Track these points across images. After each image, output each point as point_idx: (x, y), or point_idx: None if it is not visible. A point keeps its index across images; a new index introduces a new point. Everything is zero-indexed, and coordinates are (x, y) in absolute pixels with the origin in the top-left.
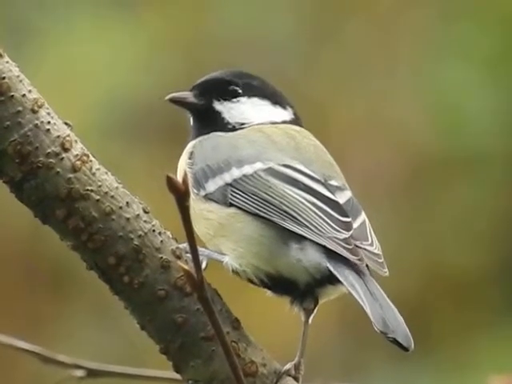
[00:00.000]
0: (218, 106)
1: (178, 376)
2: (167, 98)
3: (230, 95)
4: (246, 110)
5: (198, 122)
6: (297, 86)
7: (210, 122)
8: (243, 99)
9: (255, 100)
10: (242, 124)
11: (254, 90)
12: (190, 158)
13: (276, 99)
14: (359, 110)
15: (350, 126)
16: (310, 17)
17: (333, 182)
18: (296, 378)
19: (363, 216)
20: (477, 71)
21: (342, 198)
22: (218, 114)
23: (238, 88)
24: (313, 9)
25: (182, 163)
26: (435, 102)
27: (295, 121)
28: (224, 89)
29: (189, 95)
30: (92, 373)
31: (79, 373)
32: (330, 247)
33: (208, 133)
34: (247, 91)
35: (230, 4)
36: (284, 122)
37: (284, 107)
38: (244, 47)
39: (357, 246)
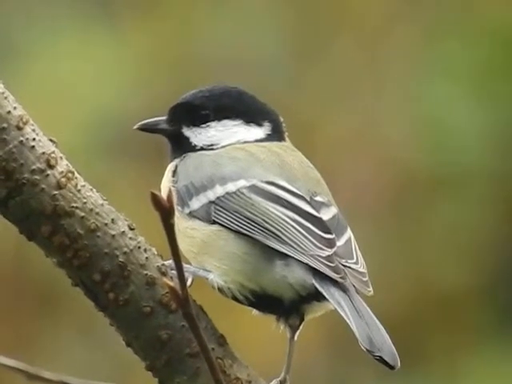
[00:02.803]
0: (187, 131)
1: None
2: (136, 127)
3: (200, 121)
4: (214, 133)
5: (171, 145)
6: (284, 103)
7: (180, 145)
8: (213, 123)
9: (226, 122)
10: (210, 145)
11: (226, 112)
12: (173, 176)
13: (250, 117)
14: (346, 127)
15: (336, 142)
16: (296, 35)
17: (318, 199)
18: None
19: (349, 233)
20: (462, 89)
21: (326, 214)
22: (186, 139)
23: (208, 112)
24: (299, 28)
25: (166, 182)
26: (421, 119)
27: (272, 137)
28: (194, 114)
29: (160, 121)
30: None
31: None
32: (313, 265)
33: (181, 155)
34: (218, 114)
35: (217, 22)
36: (257, 141)
37: (259, 124)
38: (231, 65)
39: (342, 264)
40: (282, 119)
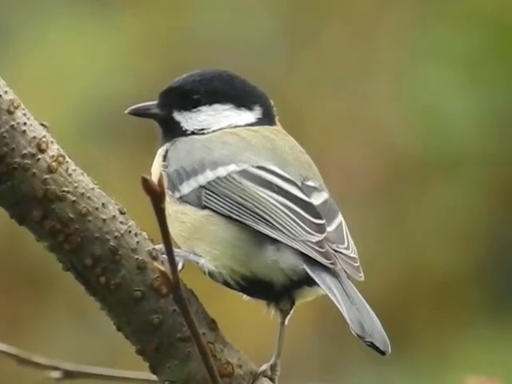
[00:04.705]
0: (178, 116)
1: (154, 377)
2: (127, 111)
3: (191, 105)
4: (205, 118)
5: (162, 129)
6: (276, 87)
7: (171, 130)
8: (203, 108)
9: (217, 106)
10: (201, 130)
11: (217, 96)
12: (164, 161)
13: (241, 101)
14: (338, 111)
15: (329, 126)
16: (288, 18)
17: (309, 183)
18: (272, 379)
19: (340, 218)
20: (454, 73)
21: (317, 199)
22: (177, 123)
23: (198, 96)
24: (291, 11)
25: (156, 166)
26: (414, 103)
27: (263, 121)
28: (185, 98)
29: (151, 106)
30: (69, 374)
31: (56, 374)
32: (303, 250)
33: (172, 139)
34: (209, 98)
35: (209, 6)
36: (248, 125)
37: (250, 108)
38: (221, 49)
39: (333, 249)
40: (272, 103)
